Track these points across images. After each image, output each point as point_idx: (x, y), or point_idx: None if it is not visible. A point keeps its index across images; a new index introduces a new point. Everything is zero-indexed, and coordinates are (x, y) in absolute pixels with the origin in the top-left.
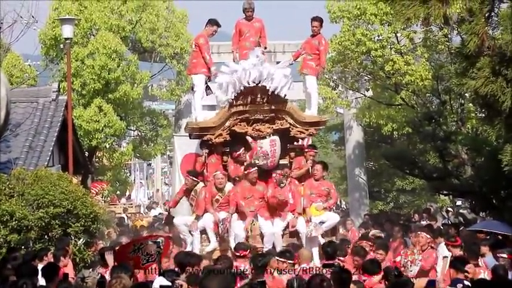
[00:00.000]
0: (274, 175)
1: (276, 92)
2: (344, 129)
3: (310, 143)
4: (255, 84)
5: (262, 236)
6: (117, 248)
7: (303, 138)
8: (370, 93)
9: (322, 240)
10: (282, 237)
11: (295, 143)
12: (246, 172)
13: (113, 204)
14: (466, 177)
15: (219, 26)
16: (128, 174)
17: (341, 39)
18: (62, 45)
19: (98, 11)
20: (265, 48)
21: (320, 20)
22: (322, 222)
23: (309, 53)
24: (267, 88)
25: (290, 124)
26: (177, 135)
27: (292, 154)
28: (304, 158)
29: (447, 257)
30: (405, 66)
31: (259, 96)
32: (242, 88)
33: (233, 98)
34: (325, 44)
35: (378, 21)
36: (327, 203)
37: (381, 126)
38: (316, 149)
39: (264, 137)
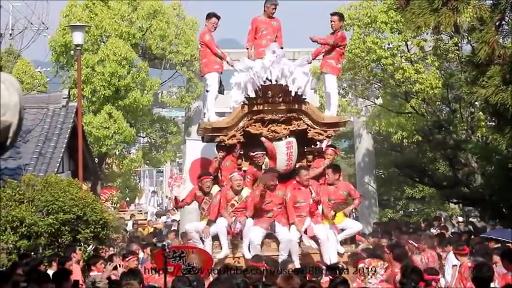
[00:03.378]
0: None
1: (299, 92)
2: (354, 137)
3: (331, 143)
4: (271, 83)
5: (278, 242)
6: (155, 251)
7: (321, 141)
8: (380, 101)
9: (341, 249)
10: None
11: (313, 146)
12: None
13: (123, 211)
14: (476, 186)
15: (218, 17)
16: (138, 181)
17: (351, 47)
18: (72, 52)
19: (109, 18)
20: (282, 48)
21: (339, 15)
22: (342, 230)
23: (329, 51)
24: (289, 88)
25: (308, 125)
26: (189, 139)
27: (310, 157)
28: (323, 160)
29: (456, 265)
30: (415, 74)
31: (275, 95)
32: (260, 86)
33: (254, 96)
34: (339, 37)
35: (389, 30)
36: (353, 204)
37: (390, 134)
38: (336, 148)
39: (280, 139)
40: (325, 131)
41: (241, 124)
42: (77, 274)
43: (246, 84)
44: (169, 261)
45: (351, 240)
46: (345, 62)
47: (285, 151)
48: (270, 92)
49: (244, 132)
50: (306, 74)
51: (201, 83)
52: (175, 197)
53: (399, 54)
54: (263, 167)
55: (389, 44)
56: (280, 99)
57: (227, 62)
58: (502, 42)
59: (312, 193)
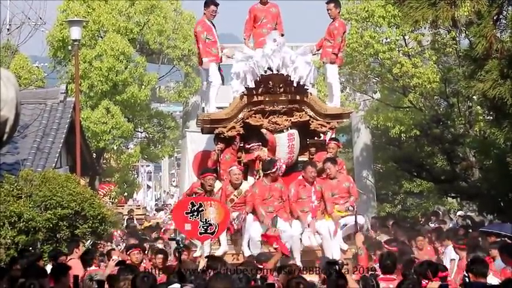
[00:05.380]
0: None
1: (300, 82)
2: (352, 131)
3: (333, 136)
4: (272, 72)
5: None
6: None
7: (324, 132)
8: (378, 95)
9: (344, 245)
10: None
11: (316, 138)
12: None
13: (121, 206)
14: (473, 180)
15: (216, 4)
16: (136, 176)
17: (349, 42)
18: (69, 47)
19: (106, 13)
20: (283, 35)
21: (334, 2)
22: (344, 225)
23: (328, 39)
24: (290, 78)
25: (310, 116)
26: (189, 131)
27: (313, 150)
28: (325, 154)
29: (454, 259)
30: (413, 68)
31: (276, 85)
32: (260, 76)
33: (254, 86)
34: (338, 26)
35: (386, 24)
36: (349, 202)
37: (388, 128)
38: (338, 142)
39: (281, 131)
40: (328, 123)
41: (240, 115)
42: (78, 269)
43: (245, 74)
44: (187, 217)
45: (354, 236)
46: (342, 57)
47: (286, 143)
48: (270, 82)
49: (244, 123)
50: (308, 64)
51: (199, 78)
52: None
53: (397, 49)
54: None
55: (387, 39)
56: (281, 90)
57: (224, 55)
58: (499, 36)
59: (315, 190)
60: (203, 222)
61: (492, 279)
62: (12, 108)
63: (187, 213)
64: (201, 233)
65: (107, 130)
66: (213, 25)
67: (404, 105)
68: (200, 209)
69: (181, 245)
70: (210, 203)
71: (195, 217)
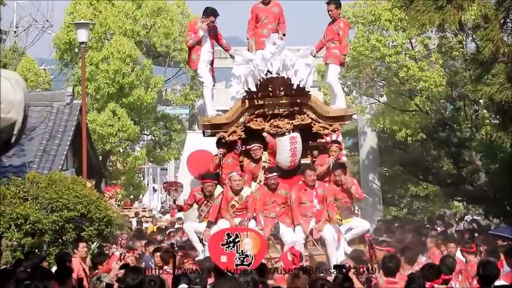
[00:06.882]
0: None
1: (300, 85)
2: (358, 134)
3: (339, 139)
4: (272, 75)
5: (282, 244)
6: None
7: (326, 135)
8: (384, 99)
9: (348, 249)
10: (305, 247)
11: (320, 140)
12: (265, 177)
13: (127, 209)
14: (480, 184)
15: (215, 15)
16: (142, 178)
17: (355, 45)
18: (76, 50)
19: (113, 16)
20: (284, 35)
21: (335, 3)
22: (350, 229)
23: (332, 40)
24: (290, 80)
25: (312, 119)
26: (190, 132)
27: (315, 152)
28: (327, 157)
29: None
30: (419, 72)
31: (277, 88)
32: (260, 79)
33: (255, 89)
34: (343, 26)
35: (393, 27)
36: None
37: (394, 132)
38: (340, 144)
39: (283, 134)
40: (331, 125)
41: (241, 119)
42: (78, 269)
43: (246, 78)
44: (222, 248)
45: (359, 240)
46: (349, 60)
47: (288, 146)
48: (271, 86)
49: (245, 127)
50: (308, 66)
51: None
52: (177, 204)
53: (403, 52)
54: (264, 163)
55: (393, 42)
56: (282, 93)
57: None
58: (506, 40)
59: (317, 194)
60: (239, 253)
61: (499, 282)
62: (21, 111)
63: (223, 244)
64: (237, 265)
65: (113, 133)
66: (210, 34)
67: (410, 109)
68: (236, 240)
69: (175, 249)
70: (246, 233)
71: (231, 248)
